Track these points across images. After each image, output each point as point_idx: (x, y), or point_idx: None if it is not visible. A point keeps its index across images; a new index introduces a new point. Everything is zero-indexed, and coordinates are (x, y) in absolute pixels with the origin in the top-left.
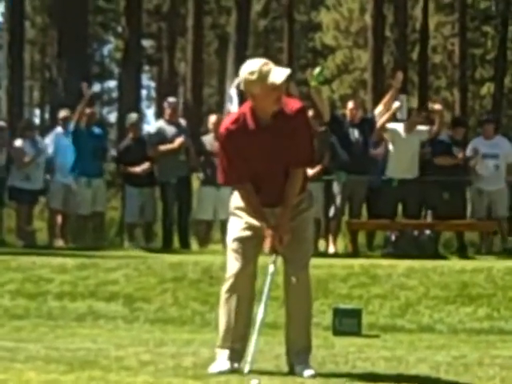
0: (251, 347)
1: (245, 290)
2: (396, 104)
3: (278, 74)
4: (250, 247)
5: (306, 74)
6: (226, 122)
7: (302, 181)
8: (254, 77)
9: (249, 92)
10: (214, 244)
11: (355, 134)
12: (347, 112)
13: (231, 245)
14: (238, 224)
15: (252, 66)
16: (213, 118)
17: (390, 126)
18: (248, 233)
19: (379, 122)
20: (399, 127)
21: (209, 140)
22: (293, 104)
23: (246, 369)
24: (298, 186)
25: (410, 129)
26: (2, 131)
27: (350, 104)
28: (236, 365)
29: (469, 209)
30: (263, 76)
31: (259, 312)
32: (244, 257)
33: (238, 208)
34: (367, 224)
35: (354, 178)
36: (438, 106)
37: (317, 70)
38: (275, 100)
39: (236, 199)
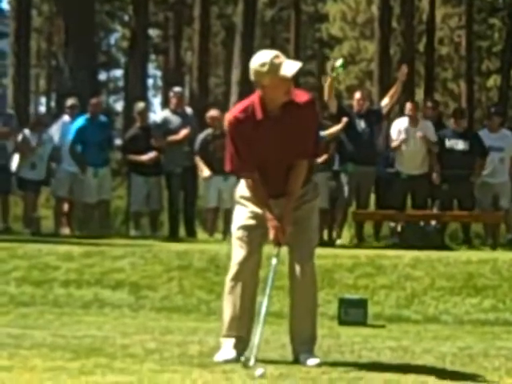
0: (255, 340)
1: (249, 278)
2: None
3: (289, 67)
4: (255, 236)
5: (312, 64)
6: (235, 111)
7: (307, 172)
8: (265, 69)
9: (258, 83)
10: (219, 233)
11: (362, 124)
12: (354, 103)
13: (236, 233)
14: (244, 213)
15: (263, 58)
16: (212, 113)
17: (396, 123)
18: (253, 221)
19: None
20: (403, 122)
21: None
22: (302, 96)
23: (251, 362)
24: (302, 177)
25: (413, 123)
26: (10, 119)
27: (357, 95)
28: (241, 353)
29: None
30: (274, 68)
31: (263, 305)
32: (249, 245)
33: (244, 197)
34: (373, 215)
35: (361, 168)
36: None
37: (340, 61)
38: (284, 92)
39: (242, 188)
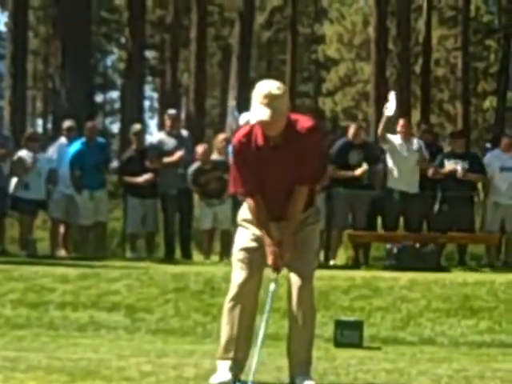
0: (253, 365)
1: (248, 300)
2: (387, 112)
3: (255, 114)
4: (255, 258)
5: (308, 86)
6: (240, 135)
7: (310, 196)
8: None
9: None
10: (215, 255)
11: (355, 156)
12: (349, 135)
13: (237, 255)
14: (245, 235)
15: (255, 91)
16: (200, 148)
17: (390, 137)
18: (254, 244)
19: (378, 131)
20: (397, 139)
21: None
22: (304, 122)
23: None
24: (302, 202)
25: (405, 137)
26: (6, 141)
27: (352, 128)
28: (237, 376)
29: (477, 222)
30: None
31: (260, 330)
32: (249, 267)
33: (246, 220)
34: (369, 236)
35: (354, 191)
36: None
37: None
38: (266, 129)
39: (244, 211)
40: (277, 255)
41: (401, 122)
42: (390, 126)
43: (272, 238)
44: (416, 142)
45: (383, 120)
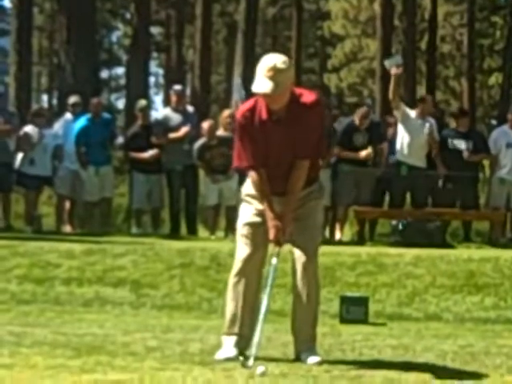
0: (255, 339)
1: (253, 275)
2: (393, 70)
3: (257, 86)
4: (259, 233)
5: (313, 62)
6: (243, 108)
7: (314, 172)
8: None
9: None
10: (220, 231)
11: (361, 139)
12: (356, 119)
13: (241, 230)
14: (249, 210)
15: (260, 64)
16: (206, 124)
17: (404, 107)
18: (258, 219)
19: (390, 93)
20: (411, 113)
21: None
22: (307, 96)
23: (250, 362)
24: (303, 178)
25: (422, 114)
26: (12, 116)
27: (360, 112)
28: (243, 351)
29: (482, 199)
30: (253, 81)
31: (263, 304)
32: (253, 242)
33: (249, 195)
34: (375, 212)
35: (358, 169)
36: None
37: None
38: (269, 102)
39: (248, 186)
40: (279, 229)
41: (424, 97)
42: (400, 87)
43: (274, 212)
44: (430, 122)
45: (392, 80)
